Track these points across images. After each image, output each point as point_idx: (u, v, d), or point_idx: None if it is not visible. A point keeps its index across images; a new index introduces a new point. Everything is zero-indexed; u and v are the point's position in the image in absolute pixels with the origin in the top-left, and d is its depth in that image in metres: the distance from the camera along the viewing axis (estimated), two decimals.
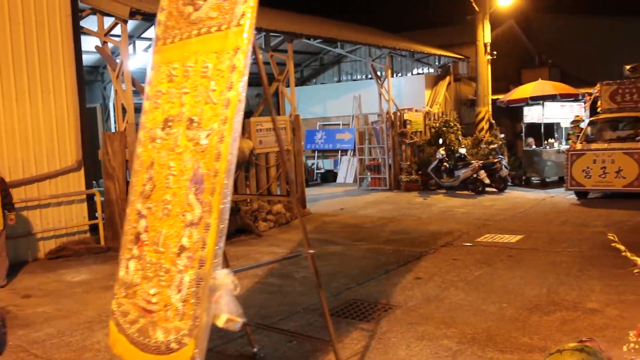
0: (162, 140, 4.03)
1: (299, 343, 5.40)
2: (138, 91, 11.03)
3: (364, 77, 21.62)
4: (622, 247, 2.70)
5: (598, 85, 14.57)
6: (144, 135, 4.25)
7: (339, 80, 22.37)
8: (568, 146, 14.48)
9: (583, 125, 14.67)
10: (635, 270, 2.65)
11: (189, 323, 3.38)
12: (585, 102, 15.13)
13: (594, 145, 13.36)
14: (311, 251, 3.97)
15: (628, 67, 14.72)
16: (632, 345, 2.84)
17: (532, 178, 16.78)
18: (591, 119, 14.49)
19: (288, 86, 13.45)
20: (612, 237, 2.88)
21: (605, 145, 13.21)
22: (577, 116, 15.73)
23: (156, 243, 3.82)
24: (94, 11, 10.28)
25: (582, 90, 16.49)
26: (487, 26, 18.03)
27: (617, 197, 12.99)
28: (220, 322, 3.27)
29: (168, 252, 3.69)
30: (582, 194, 13.69)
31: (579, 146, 13.59)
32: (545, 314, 5.88)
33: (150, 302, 3.74)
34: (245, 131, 11.76)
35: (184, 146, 3.78)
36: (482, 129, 17.93)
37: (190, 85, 3.87)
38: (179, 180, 3.76)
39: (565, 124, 17.43)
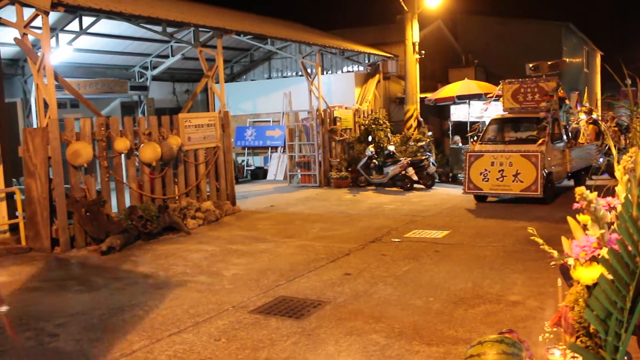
0: None
1: None
2: (61, 86, 10.65)
3: (294, 74, 21.61)
4: (540, 241, 2.79)
5: (501, 83, 14.04)
6: None
7: (269, 77, 22.28)
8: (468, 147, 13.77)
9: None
10: (552, 263, 2.75)
11: None
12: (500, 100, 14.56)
13: (491, 147, 12.73)
14: (5, 308, 3.46)
15: (530, 65, 14.12)
16: (546, 335, 2.95)
17: (459, 175, 17.16)
18: (492, 118, 14.07)
19: (217, 82, 13.29)
20: (531, 231, 2.98)
21: (503, 147, 12.60)
22: (480, 116, 15.36)
23: None
24: (12, 1, 9.83)
25: None
26: (416, 26, 18.32)
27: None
28: None
29: None
30: (480, 198, 12.93)
31: (477, 147, 12.98)
32: (470, 307, 6.05)
33: None
34: (174, 127, 11.56)
35: None
36: (411, 126, 18.23)
37: None
38: None
39: None
